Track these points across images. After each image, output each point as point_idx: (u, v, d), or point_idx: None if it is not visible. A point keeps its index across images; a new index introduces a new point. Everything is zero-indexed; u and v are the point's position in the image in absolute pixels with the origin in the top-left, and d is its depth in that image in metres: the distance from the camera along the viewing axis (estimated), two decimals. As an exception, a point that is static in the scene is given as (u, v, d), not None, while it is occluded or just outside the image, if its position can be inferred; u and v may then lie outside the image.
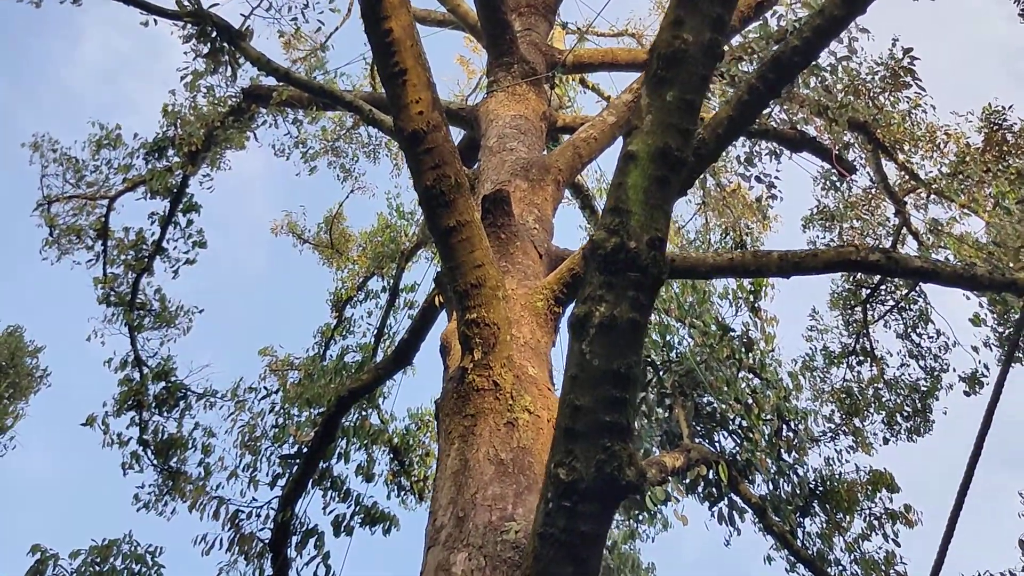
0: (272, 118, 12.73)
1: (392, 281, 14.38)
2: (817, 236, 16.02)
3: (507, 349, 5.13)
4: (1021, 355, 12.43)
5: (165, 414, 12.92)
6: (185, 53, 9.80)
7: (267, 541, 10.01)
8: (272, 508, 10.15)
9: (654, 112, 3.09)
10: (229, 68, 10.08)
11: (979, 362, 14.41)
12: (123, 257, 12.91)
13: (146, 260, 12.86)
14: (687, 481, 10.02)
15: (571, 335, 3.06)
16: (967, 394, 14.59)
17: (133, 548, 11.11)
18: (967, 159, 13.77)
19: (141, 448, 12.81)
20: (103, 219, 13.00)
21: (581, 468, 2.95)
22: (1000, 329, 13.54)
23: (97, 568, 10.77)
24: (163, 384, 12.84)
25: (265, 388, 12.13)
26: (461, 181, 4.99)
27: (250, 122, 12.25)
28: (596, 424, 2.96)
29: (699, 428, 10.82)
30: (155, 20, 9.96)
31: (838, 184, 15.11)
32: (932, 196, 14.38)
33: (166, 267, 13.08)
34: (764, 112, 10.98)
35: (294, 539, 9.85)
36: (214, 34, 9.59)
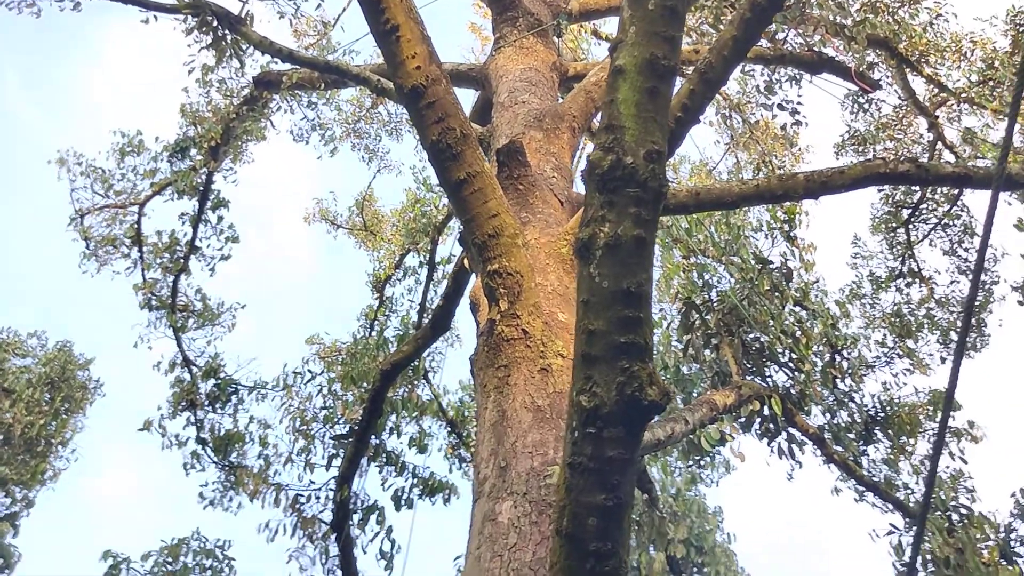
0: (287, 103, 12.77)
1: (428, 255, 14.39)
2: (851, 161, 15.72)
3: (533, 296, 5.08)
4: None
5: (219, 411, 13.08)
6: (188, 46, 9.84)
7: (329, 522, 10.11)
8: (330, 489, 10.25)
9: (637, 23, 3.01)
10: (234, 56, 10.09)
11: (1031, 269, 14.08)
12: (159, 260, 13.07)
13: (182, 261, 13.01)
14: (742, 420, 9.94)
15: (578, 260, 3.00)
16: (1021, 303, 14.27)
17: (202, 544, 11.32)
18: (995, 64, 13.39)
19: (200, 447, 13.00)
20: (135, 225, 13.16)
21: (602, 392, 2.89)
22: (1049, 233, 13.19)
23: (169, 567, 11.00)
24: (213, 381, 12.99)
25: (310, 371, 12.22)
26: (467, 132, 4.93)
27: (265, 110, 12.29)
28: (613, 346, 2.90)
29: (749, 365, 10.70)
30: (155, 16, 10.00)
31: (866, 105, 14.79)
32: (963, 105, 14.01)
33: (202, 266, 13.23)
34: (780, 36, 10.74)
35: (356, 517, 9.94)
36: (215, 23, 9.59)
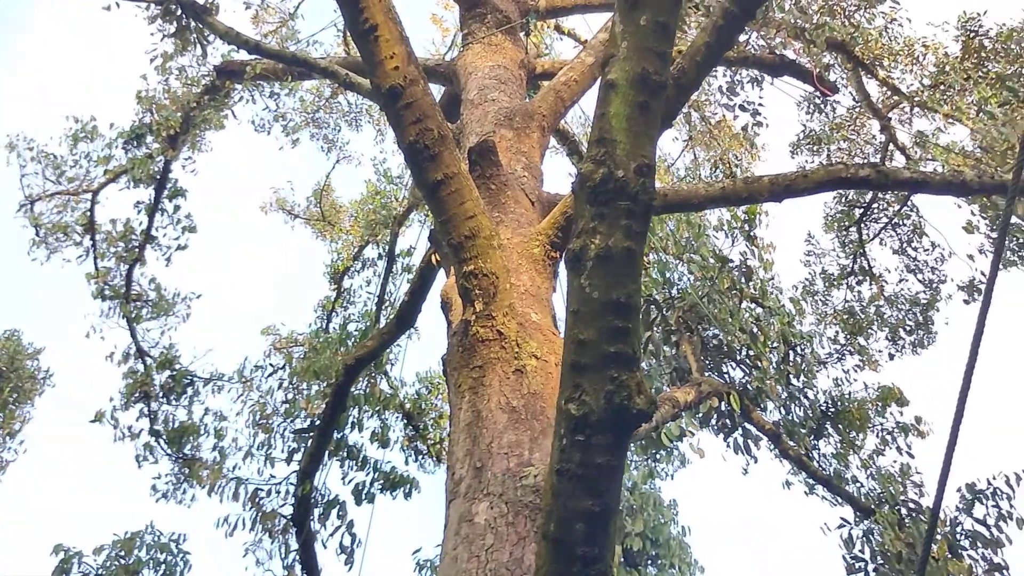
0: (248, 94, 12.62)
1: (388, 247, 14.36)
2: (806, 160, 15.98)
3: (508, 298, 5.12)
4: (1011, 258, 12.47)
5: (173, 402, 12.95)
6: (152, 35, 9.68)
7: (289, 516, 10.08)
8: (291, 483, 10.21)
9: (629, 37, 3.06)
10: (198, 46, 9.96)
11: (975, 269, 14.47)
12: (113, 249, 12.85)
13: (137, 250, 12.81)
14: (700, 415, 10.09)
15: (569, 271, 3.05)
16: (966, 302, 14.65)
17: (156, 538, 11.19)
18: (947, 69, 13.69)
19: (153, 439, 12.86)
20: (88, 213, 12.93)
21: (591, 401, 2.95)
22: (993, 235, 13.55)
23: (122, 561, 10.87)
24: (168, 373, 12.85)
25: (271, 365, 12.14)
26: (444, 134, 4.95)
27: (226, 100, 12.14)
28: (602, 356, 2.96)
29: (707, 361, 10.87)
30: (117, 3, 9.82)
31: (822, 106, 15.05)
32: (916, 109, 14.31)
33: (158, 255, 13.04)
34: (742, 39, 10.89)
35: (316, 511, 9.92)
36: (179, 12, 9.46)
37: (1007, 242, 13.62)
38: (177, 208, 12.76)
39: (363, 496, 10.14)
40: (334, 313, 14.91)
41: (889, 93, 14.64)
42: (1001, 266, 13.97)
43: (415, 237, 27.72)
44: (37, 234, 12.92)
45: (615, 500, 3.07)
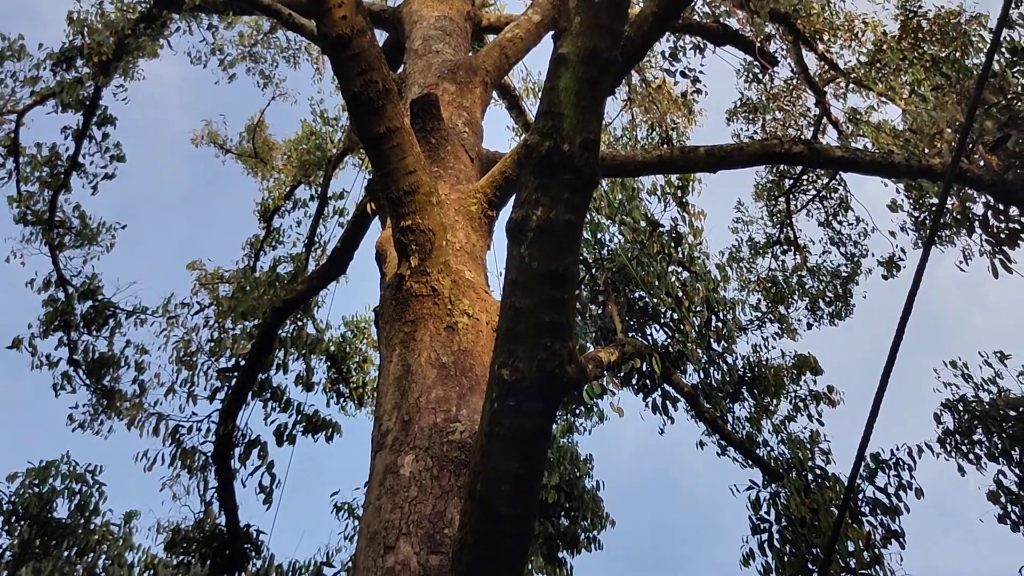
0: (186, 24, 12.29)
1: (320, 189, 14.20)
2: (741, 128, 16.20)
3: (443, 255, 5.17)
4: (939, 237, 12.88)
5: (94, 333, 12.75)
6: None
7: (210, 454, 10.07)
8: (213, 422, 10.19)
9: (583, 13, 3.10)
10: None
11: (896, 246, 14.95)
12: (37, 174, 12.49)
13: (62, 176, 12.47)
14: (622, 374, 10.30)
15: (509, 239, 3.11)
16: (885, 278, 15.12)
17: (72, 468, 11.09)
18: (884, 47, 13.96)
19: (72, 368, 12.66)
20: (12, 135, 12.51)
21: (523, 368, 3.03)
22: (916, 214, 13.96)
23: (36, 490, 10.76)
24: (90, 303, 12.63)
25: (198, 303, 12.03)
26: (389, 87, 4.94)
27: (163, 29, 11.80)
28: (536, 324, 3.04)
29: (632, 323, 11.06)
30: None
31: (760, 76, 15.23)
32: (851, 85, 14.60)
33: (84, 183, 12.71)
34: (687, 6, 10.96)
35: (237, 451, 9.93)
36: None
37: (927, 221, 14.06)
38: (106, 136, 12.42)
39: (284, 437, 10.18)
40: (262, 252, 14.74)
41: (827, 67, 14.90)
42: (920, 244, 14.45)
43: (349, 181, 27.40)
44: (-45, 152, 12.49)
45: (541, 464, 3.18)
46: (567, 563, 13.02)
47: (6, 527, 10.38)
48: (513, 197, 6.25)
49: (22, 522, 10.39)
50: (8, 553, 10.30)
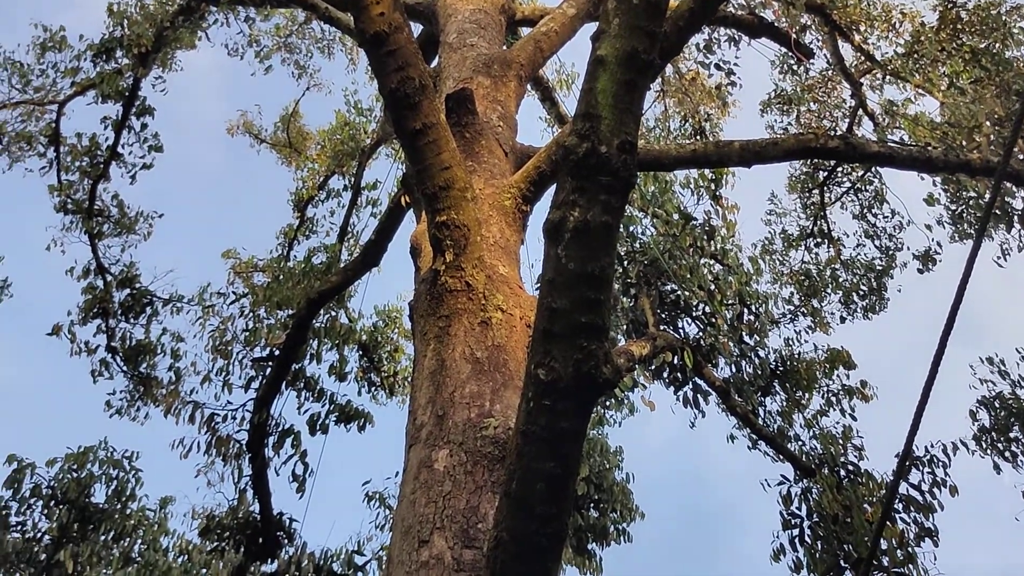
0: (223, 16, 12.40)
1: (353, 179, 14.29)
2: (775, 120, 16.09)
3: (478, 250, 5.20)
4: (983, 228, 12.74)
5: (132, 321, 12.94)
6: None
7: (244, 442, 10.19)
8: (247, 410, 10.29)
9: (621, 15, 3.11)
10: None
11: (932, 240, 14.76)
12: (78, 164, 12.69)
13: (101, 166, 12.65)
14: (653, 368, 10.29)
15: (547, 240, 3.14)
16: (920, 271, 14.97)
17: (109, 454, 11.26)
18: (922, 39, 13.79)
19: (110, 355, 12.87)
20: (53, 125, 12.72)
21: (560, 368, 3.06)
22: (953, 207, 13.81)
23: (74, 475, 10.94)
24: (128, 291, 12.81)
25: (234, 293, 12.15)
26: (426, 83, 4.96)
27: (200, 21, 11.92)
28: (573, 325, 3.07)
29: (664, 316, 11.04)
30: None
31: (795, 68, 15.11)
32: (888, 77, 14.44)
33: (123, 172, 12.90)
34: (724, 1, 10.89)
35: (271, 439, 10.04)
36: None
37: (965, 215, 13.91)
38: (144, 126, 12.60)
39: (317, 427, 10.27)
40: (296, 241, 14.87)
41: (863, 59, 14.74)
42: (956, 238, 14.31)
43: (382, 171, 27.47)
44: (0, 142, 12.70)
45: (576, 463, 3.21)
46: (596, 555, 13.08)
47: (45, 511, 10.58)
48: (547, 191, 6.28)
49: (61, 506, 10.58)
50: (47, 536, 10.50)
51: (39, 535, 10.56)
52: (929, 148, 8.76)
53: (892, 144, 8.24)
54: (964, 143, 10.55)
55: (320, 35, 16.21)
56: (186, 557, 10.35)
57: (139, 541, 10.84)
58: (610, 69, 3.08)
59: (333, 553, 10.17)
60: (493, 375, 4.83)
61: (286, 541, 10.23)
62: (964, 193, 12.67)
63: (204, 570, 9.98)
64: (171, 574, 9.35)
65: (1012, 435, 10.32)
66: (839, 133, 11.32)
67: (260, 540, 10.08)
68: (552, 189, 4.66)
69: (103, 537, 10.70)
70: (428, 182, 5.05)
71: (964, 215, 13.52)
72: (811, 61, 14.02)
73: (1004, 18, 13.24)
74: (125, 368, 13.01)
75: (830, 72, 15.44)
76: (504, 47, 8.30)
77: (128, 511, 10.97)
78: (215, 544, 10.24)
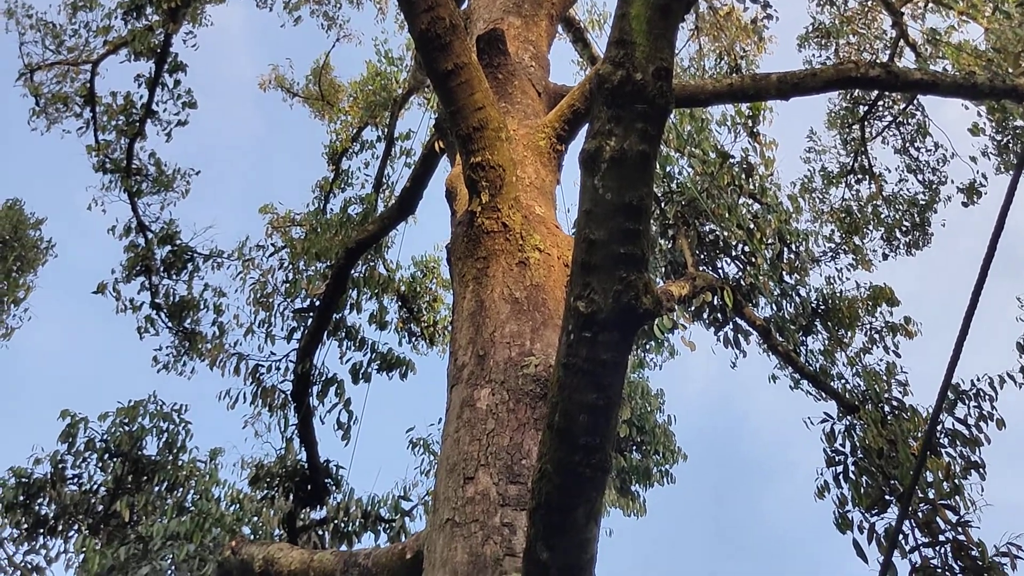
0: (252, -31, 12.36)
1: (387, 130, 14.26)
2: (813, 55, 15.79)
3: (513, 190, 5.16)
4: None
5: (174, 277, 13.10)
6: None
7: (289, 392, 10.33)
8: (291, 361, 10.42)
9: (654, -62, 3.03)
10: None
11: (977, 172, 14.46)
12: (114, 123, 12.78)
13: (137, 124, 12.74)
14: (693, 308, 10.24)
15: (583, 170, 3.10)
16: (965, 204, 14.70)
17: (159, 407, 11.46)
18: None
19: (154, 312, 13.06)
20: (88, 85, 12.80)
21: (599, 300, 3.03)
22: (999, 137, 13.50)
23: (126, 429, 11.15)
24: (169, 248, 12.95)
25: (272, 245, 12.23)
26: (456, 23, 4.90)
27: (229, -26, 11.90)
28: (612, 256, 3.04)
29: (703, 256, 10.97)
30: None
31: (833, -1, 14.77)
32: (930, 5, 14.06)
33: (158, 130, 12.98)
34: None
35: (315, 388, 10.16)
36: None
37: (1011, 145, 13.58)
38: (177, 83, 12.64)
39: (360, 375, 10.37)
40: (331, 194, 14.91)
41: (904, -13, 14.38)
42: (1002, 169, 14.00)
43: (414, 121, 27.45)
44: (37, 104, 12.82)
45: (617, 394, 3.20)
46: (640, 496, 13.18)
47: (100, 464, 10.82)
48: (582, 131, 6.21)
49: (115, 459, 10.82)
50: (103, 488, 10.76)
51: (95, 487, 10.81)
52: (974, 74, 8.55)
53: (935, 71, 8.04)
54: (1011, 68, 10.28)
55: (348, -17, 16.11)
56: (238, 505, 10.55)
57: (192, 491, 11.05)
58: (643, -6, 3.01)
59: (380, 499, 10.31)
60: (532, 314, 4.83)
61: (334, 488, 10.39)
62: (1010, 121, 12.37)
63: (256, 518, 10.17)
64: (224, 521, 9.53)
65: (1061, 367, 10.15)
66: (879, 62, 11.06)
67: (308, 487, 10.26)
68: (586, 129, 4.62)
69: (157, 488, 10.93)
70: (462, 123, 5.01)
71: (1010, 145, 13.21)
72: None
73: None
74: (170, 324, 13.21)
75: (870, 2, 15.07)
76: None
77: (180, 462, 11.18)
78: (265, 492, 10.44)
